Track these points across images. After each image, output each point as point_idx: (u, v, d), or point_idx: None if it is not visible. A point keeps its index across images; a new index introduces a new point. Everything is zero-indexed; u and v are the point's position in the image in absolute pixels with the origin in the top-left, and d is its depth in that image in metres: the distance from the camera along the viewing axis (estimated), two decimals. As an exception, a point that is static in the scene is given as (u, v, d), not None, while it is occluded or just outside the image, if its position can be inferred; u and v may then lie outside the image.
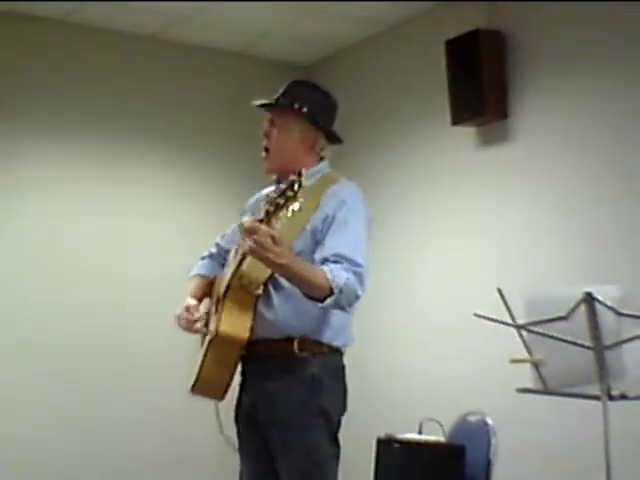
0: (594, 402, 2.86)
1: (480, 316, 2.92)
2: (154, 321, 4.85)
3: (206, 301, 3.05)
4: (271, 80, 5.88)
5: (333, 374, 2.81)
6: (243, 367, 2.85)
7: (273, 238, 2.49)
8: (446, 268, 4.97)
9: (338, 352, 2.83)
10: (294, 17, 5.26)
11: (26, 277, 5.00)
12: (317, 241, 2.75)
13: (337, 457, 2.78)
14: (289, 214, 2.49)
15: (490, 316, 2.91)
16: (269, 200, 2.51)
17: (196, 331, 2.92)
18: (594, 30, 4.30)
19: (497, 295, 2.87)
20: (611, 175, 4.20)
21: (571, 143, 4.39)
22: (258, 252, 2.51)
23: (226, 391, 2.79)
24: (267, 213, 2.50)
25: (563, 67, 4.45)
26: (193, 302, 2.95)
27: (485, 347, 4.46)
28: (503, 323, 2.92)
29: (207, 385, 2.79)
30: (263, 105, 2.92)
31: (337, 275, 2.62)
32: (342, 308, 2.68)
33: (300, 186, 2.44)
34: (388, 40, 5.47)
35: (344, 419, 2.85)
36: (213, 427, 2.88)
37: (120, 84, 5.41)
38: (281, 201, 2.47)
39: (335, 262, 2.66)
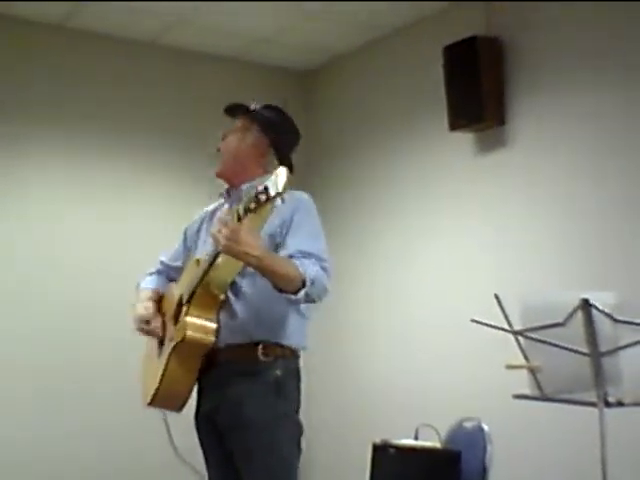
0: (590, 409, 2.86)
1: (477, 322, 2.92)
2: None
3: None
4: (270, 86, 5.87)
5: (294, 377, 2.85)
6: (200, 375, 2.85)
7: (244, 231, 2.53)
8: (444, 273, 4.97)
9: (296, 355, 2.87)
10: (293, 23, 5.26)
11: (26, 277, 5.00)
12: (277, 245, 2.80)
13: (299, 458, 2.82)
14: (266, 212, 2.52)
15: (487, 322, 2.91)
16: (246, 199, 2.51)
17: (155, 327, 2.96)
18: (592, 36, 4.30)
19: (494, 301, 2.88)
20: (609, 181, 4.20)
21: (569, 149, 4.39)
22: (231, 246, 2.54)
23: (186, 399, 2.83)
24: (246, 210, 2.51)
25: (561, 73, 4.45)
26: (150, 304, 3.05)
27: (482, 353, 4.46)
28: (500, 329, 2.91)
29: (168, 392, 2.81)
30: (229, 111, 3.06)
31: (307, 267, 2.69)
32: (313, 301, 2.74)
33: (281, 193, 2.45)
34: (386, 46, 5.48)
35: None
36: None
37: (120, 88, 5.42)
38: (262, 198, 2.47)
39: (301, 257, 2.72)
